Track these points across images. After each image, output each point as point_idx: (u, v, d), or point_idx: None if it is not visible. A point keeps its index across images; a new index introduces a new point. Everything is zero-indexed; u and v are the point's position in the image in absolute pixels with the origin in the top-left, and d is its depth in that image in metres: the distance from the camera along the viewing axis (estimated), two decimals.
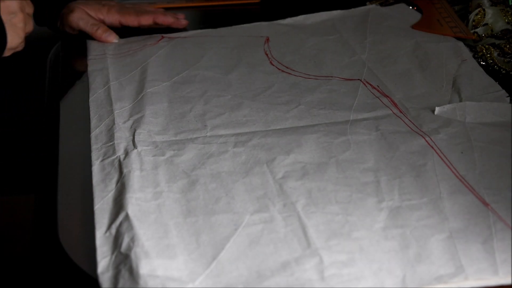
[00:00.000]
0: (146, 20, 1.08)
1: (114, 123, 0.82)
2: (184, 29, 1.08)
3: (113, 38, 1.05)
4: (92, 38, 1.05)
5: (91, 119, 0.84)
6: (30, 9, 0.92)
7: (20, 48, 0.91)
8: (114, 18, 1.07)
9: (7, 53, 0.90)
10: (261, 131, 0.80)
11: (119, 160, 0.76)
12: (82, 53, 1.01)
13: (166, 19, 1.08)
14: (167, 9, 1.15)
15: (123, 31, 1.07)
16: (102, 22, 1.06)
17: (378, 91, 0.87)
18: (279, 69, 0.94)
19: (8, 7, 0.87)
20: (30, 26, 0.91)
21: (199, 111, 0.85)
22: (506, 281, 0.60)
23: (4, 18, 0.86)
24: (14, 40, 0.88)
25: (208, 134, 0.80)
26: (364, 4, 1.12)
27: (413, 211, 0.67)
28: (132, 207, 0.68)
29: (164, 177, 0.73)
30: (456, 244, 0.63)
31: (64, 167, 0.78)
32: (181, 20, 1.09)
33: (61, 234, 0.67)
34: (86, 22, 1.05)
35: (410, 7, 1.11)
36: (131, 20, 1.07)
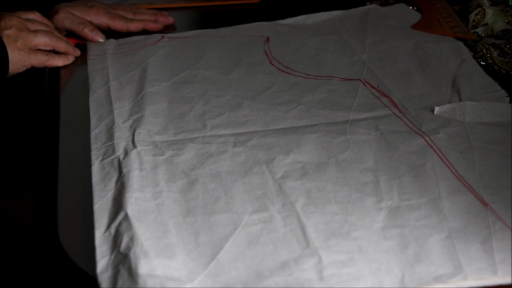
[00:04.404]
0: (135, 28, 1.07)
1: (114, 123, 0.82)
2: (184, 29, 1.08)
3: (100, 37, 1.04)
4: None
5: (91, 118, 0.84)
6: (36, 26, 0.95)
7: (34, 62, 0.94)
8: (102, 20, 1.06)
9: (15, 70, 0.92)
10: (260, 131, 0.80)
11: (119, 160, 0.76)
12: (82, 53, 1.01)
13: (156, 27, 1.08)
14: (167, 9, 1.15)
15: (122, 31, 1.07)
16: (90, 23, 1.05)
17: (378, 91, 0.87)
18: (279, 69, 0.94)
19: (5, 24, 0.91)
20: (31, 40, 0.93)
21: (199, 111, 0.85)
22: (505, 280, 0.60)
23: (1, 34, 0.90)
24: (14, 55, 0.91)
25: (207, 134, 0.80)
26: (364, 4, 1.12)
27: (412, 211, 0.67)
28: (132, 206, 0.68)
29: (164, 176, 0.73)
30: (455, 244, 0.63)
31: (64, 167, 0.78)
32: (168, 18, 1.10)
33: (61, 233, 0.67)
34: (72, 21, 1.03)
35: (410, 7, 1.10)
36: (120, 26, 1.06)
